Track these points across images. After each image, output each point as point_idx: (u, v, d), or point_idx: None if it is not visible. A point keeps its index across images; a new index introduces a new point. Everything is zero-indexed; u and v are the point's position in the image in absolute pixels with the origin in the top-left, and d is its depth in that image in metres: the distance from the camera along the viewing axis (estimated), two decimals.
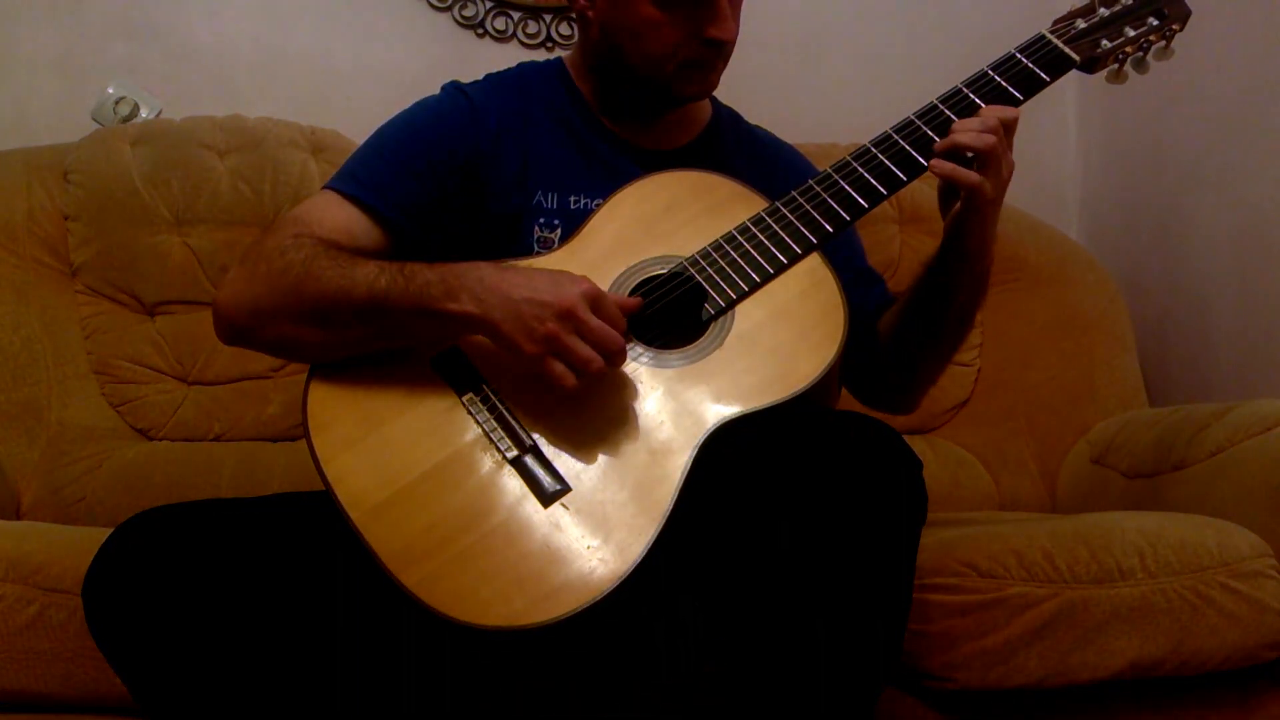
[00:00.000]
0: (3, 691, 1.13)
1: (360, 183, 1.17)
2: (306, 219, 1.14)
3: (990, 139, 1.07)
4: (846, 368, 1.34)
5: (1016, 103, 1.12)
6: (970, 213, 1.11)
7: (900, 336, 1.26)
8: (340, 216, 1.15)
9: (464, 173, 1.20)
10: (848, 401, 1.57)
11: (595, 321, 1.00)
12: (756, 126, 1.40)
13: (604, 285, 1.08)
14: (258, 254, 1.10)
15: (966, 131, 1.09)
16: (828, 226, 1.11)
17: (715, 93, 1.28)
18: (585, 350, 1.00)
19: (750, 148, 1.35)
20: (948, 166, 1.09)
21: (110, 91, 1.88)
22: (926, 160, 1.11)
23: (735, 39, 1.20)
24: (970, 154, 1.09)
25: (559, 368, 1.00)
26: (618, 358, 1.02)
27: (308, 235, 1.11)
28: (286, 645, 0.99)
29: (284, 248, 1.09)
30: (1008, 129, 1.09)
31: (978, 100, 1.12)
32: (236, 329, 1.11)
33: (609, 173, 1.23)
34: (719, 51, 1.20)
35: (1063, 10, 1.18)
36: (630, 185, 1.18)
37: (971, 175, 1.08)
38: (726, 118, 1.36)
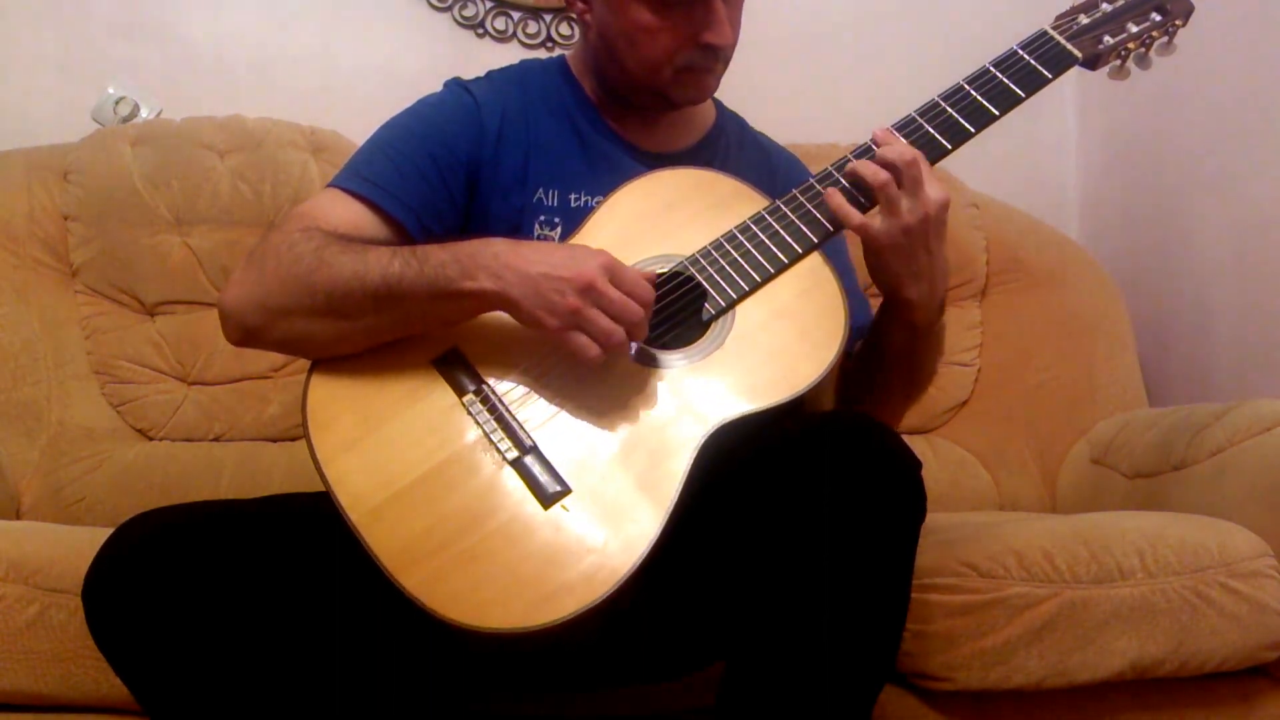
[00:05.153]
0: (3, 692, 1.12)
1: (365, 180, 1.16)
2: (313, 215, 1.12)
3: (882, 175, 1.05)
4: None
5: (1019, 100, 1.12)
6: (869, 253, 1.09)
7: (856, 371, 1.23)
8: (347, 213, 1.13)
9: (467, 169, 1.20)
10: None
11: (615, 293, 1.00)
12: (761, 134, 1.39)
13: None
14: (264, 251, 1.09)
15: (866, 164, 1.07)
16: (829, 225, 1.11)
17: (718, 96, 1.28)
18: (607, 323, 1.00)
19: (753, 154, 1.34)
20: (835, 199, 1.08)
21: (110, 91, 1.88)
22: (930, 160, 1.10)
23: (732, 44, 1.20)
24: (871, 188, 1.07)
25: (582, 340, 1.00)
26: (640, 328, 1.01)
27: (315, 229, 1.09)
28: (286, 646, 0.98)
29: (292, 241, 1.08)
30: (906, 169, 1.05)
31: (980, 98, 1.12)
32: (246, 328, 1.09)
33: (610, 170, 1.22)
34: (715, 56, 1.19)
35: (1064, 7, 1.18)
36: (631, 183, 1.17)
37: (853, 214, 1.07)
38: (731, 122, 1.36)
